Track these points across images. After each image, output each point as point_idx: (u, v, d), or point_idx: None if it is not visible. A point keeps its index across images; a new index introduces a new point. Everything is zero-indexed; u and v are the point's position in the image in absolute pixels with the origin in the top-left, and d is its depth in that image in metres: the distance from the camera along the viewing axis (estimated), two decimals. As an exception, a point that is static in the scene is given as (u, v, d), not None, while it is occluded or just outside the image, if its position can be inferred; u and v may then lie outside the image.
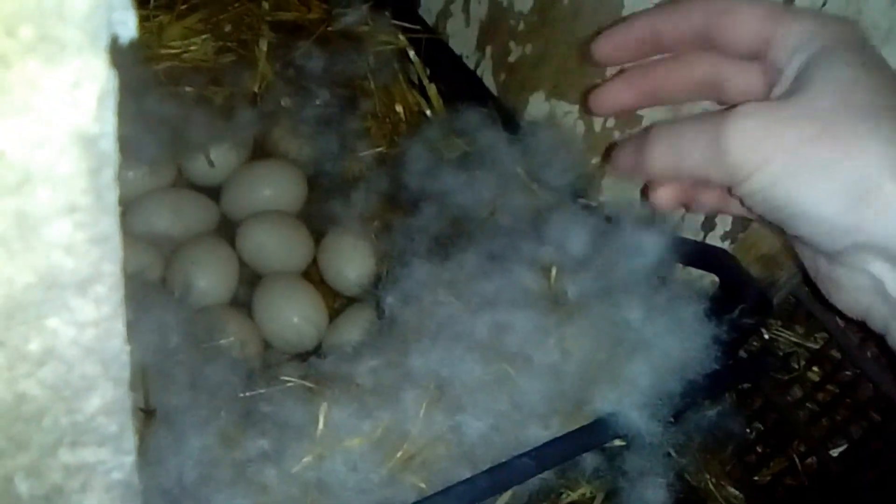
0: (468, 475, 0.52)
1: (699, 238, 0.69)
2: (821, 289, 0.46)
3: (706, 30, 0.46)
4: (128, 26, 0.20)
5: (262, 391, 0.60)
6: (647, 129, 0.46)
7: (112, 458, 0.27)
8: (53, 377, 0.24)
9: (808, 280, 0.51)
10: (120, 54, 0.20)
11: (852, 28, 0.44)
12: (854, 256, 0.40)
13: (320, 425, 0.56)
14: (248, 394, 0.60)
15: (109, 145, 0.21)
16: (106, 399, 0.25)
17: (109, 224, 0.22)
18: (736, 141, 0.40)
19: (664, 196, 0.50)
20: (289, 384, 0.61)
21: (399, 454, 0.54)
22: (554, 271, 0.59)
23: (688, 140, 0.43)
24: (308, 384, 0.60)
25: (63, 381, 0.24)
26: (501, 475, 0.52)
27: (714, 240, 0.68)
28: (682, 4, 0.47)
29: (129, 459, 0.27)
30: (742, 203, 0.43)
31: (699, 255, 0.65)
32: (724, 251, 0.66)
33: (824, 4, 0.55)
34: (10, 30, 0.18)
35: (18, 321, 0.22)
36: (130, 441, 0.27)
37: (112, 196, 0.21)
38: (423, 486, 0.54)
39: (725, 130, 0.40)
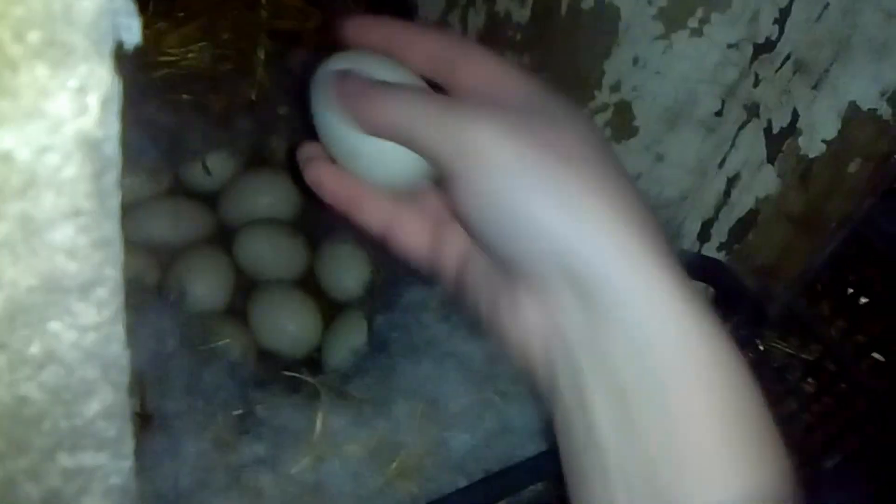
0: (464, 484, 0.53)
1: (695, 249, 0.69)
2: (492, 327, 0.41)
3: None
4: (132, 32, 0.20)
5: (258, 396, 0.60)
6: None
7: (110, 463, 0.27)
8: (54, 380, 0.24)
9: (804, 292, 0.52)
10: (120, 61, 0.20)
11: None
12: (549, 277, 0.36)
13: (317, 429, 0.56)
14: (244, 399, 0.60)
15: (113, 149, 0.21)
16: (105, 403, 0.25)
17: (111, 228, 0.22)
18: (479, 133, 0.37)
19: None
20: (286, 390, 0.61)
21: (394, 464, 0.54)
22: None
23: (419, 110, 0.39)
24: (308, 378, 0.60)
25: (63, 384, 0.24)
26: (497, 485, 0.52)
27: (710, 251, 0.69)
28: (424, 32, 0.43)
29: (128, 464, 0.27)
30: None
31: (695, 266, 0.65)
32: (719, 262, 0.67)
33: (819, 19, 0.55)
34: (18, 34, 0.18)
35: (20, 324, 0.22)
36: (129, 446, 0.27)
37: (114, 200, 0.22)
38: (417, 490, 0.54)
39: (465, 119, 0.37)
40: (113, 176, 0.21)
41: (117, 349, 0.24)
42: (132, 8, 0.20)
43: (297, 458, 0.55)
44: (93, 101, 0.19)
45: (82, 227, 0.21)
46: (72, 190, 0.20)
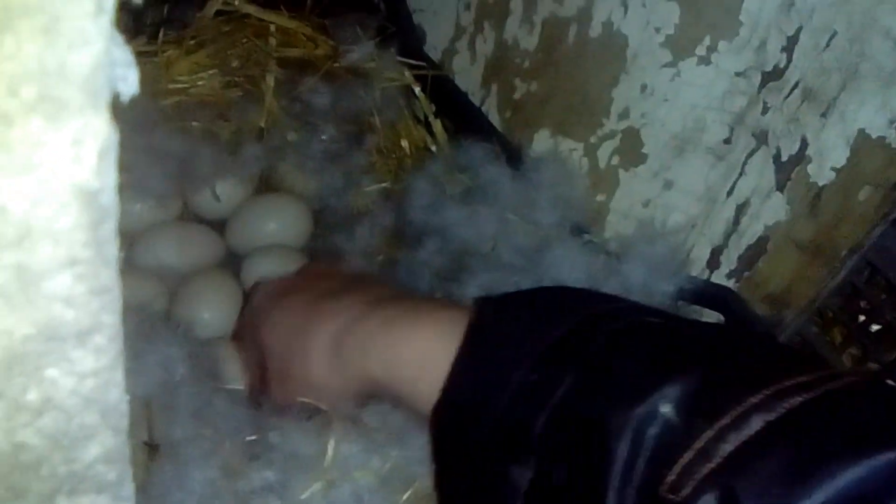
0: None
1: (704, 276, 0.69)
2: None
3: None
4: (129, 83, 0.20)
5: (269, 422, 0.60)
6: None
7: (110, 506, 0.27)
8: (52, 427, 0.24)
9: (815, 319, 0.51)
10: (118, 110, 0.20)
11: None
12: None
13: (329, 456, 0.55)
14: (254, 425, 0.59)
15: (110, 199, 0.21)
16: (105, 447, 0.25)
17: (109, 276, 0.22)
18: None
19: None
20: (298, 416, 0.61)
21: (407, 494, 0.54)
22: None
23: None
24: (319, 405, 0.60)
25: (62, 430, 0.24)
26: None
27: (720, 278, 0.68)
28: None
29: (128, 506, 0.27)
30: None
31: (705, 294, 0.65)
32: (729, 290, 0.66)
33: (827, 47, 0.55)
34: (12, 90, 0.18)
35: (17, 372, 0.22)
36: (129, 489, 0.27)
37: (112, 249, 0.22)
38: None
39: None
40: (110, 225, 0.21)
41: (117, 394, 0.24)
42: (130, 59, 0.20)
43: (308, 485, 0.55)
44: (89, 152, 0.19)
45: (79, 276, 0.21)
46: (68, 240, 0.20)
